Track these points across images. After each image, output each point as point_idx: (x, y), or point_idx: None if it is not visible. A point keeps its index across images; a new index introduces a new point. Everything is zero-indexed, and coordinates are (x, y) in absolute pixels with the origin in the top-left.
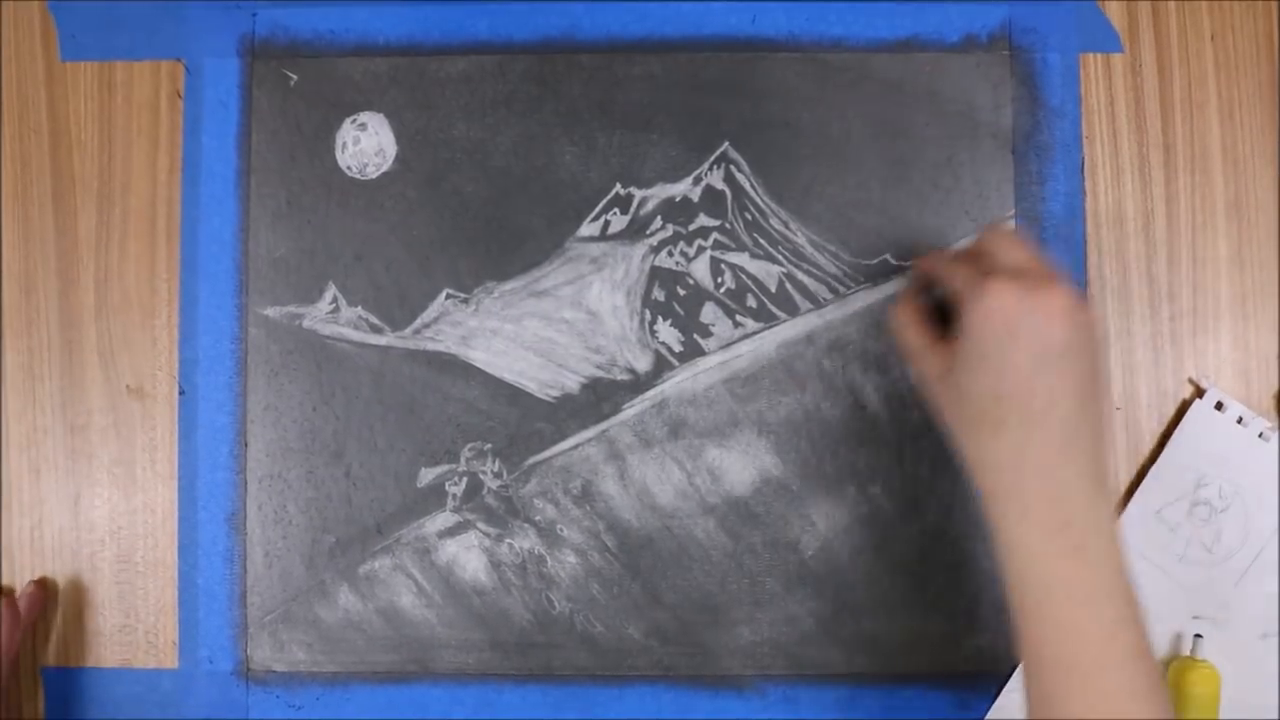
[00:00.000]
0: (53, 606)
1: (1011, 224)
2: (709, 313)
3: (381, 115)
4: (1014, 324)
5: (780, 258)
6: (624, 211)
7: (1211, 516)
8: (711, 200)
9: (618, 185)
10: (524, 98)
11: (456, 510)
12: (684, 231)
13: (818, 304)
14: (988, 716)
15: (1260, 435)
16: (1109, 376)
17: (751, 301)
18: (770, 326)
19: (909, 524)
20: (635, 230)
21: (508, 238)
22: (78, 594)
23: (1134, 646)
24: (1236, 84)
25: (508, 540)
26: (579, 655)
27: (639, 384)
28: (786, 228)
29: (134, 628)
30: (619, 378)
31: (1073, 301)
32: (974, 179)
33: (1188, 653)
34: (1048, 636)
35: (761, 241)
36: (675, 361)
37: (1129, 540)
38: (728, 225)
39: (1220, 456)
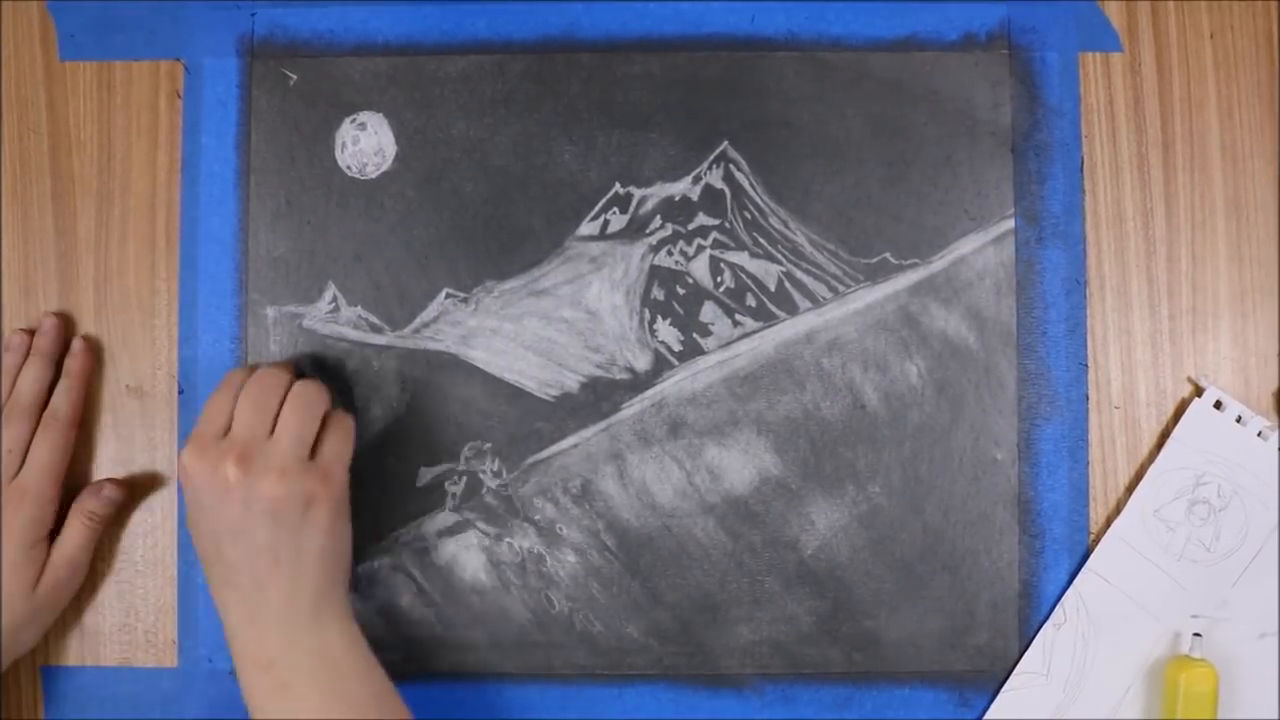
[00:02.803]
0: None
1: (272, 372)
2: (708, 312)
3: (381, 115)
4: (197, 494)
5: (779, 257)
6: (623, 211)
7: (1210, 515)
8: (711, 199)
9: (617, 184)
10: (523, 97)
11: (456, 509)
12: (683, 231)
13: (817, 303)
14: (987, 716)
15: (1259, 434)
16: (335, 547)
17: (751, 300)
18: (770, 326)
19: (909, 524)
20: (635, 229)
21: (507, 237)
22: (77, 593)
23: None
24: (1236, 83)
25: (507, 539)
26: (578, 654)
27: (638, 383)
28: (786, 227)
29: (133, 627)
30: (618, 377)
31: (240, 478)
32: (973, 178)
33: (1186, 651)
34: None
35: (761, 240)
36: (675, 361)
37: (1128, 539)
38: (727, 224)
39: (1219, 455)
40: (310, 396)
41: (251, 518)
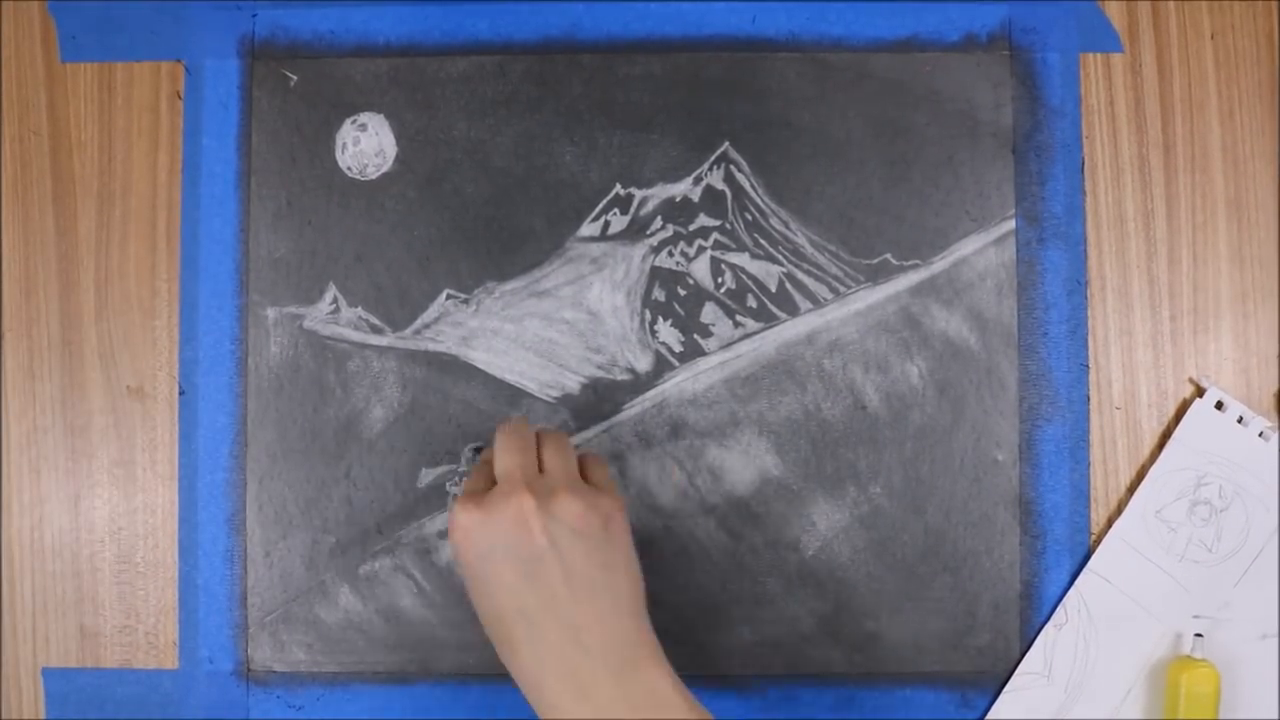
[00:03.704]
0: (53, 606)
1: (515, 421)
2: (709, 313)
3: (381, 116)
4: (482, 542)
5: (780, 258)
6: (624, 212)
7: (1212, 516)
8: (712, 200)
9: (618, 185)
10: (524, 98)
11: None
12: (684, 231)
13: (818, 304)
14: (989, 717)
15: (1261, 435)
16: (637, 568)
17: (752, 301)
18: (770, 326)
19: (909, 524)
20: (635, 230)
21: (508, 238)
22: (78, 594)
23: None
24: (1236, 83)
25: None
26: None
27: (639, 384)
28: (787, 228)
29: (134, 628)
30: (619, 378)
31: (534, 504)
32: (974, 178)
33: (1187, 652)
34: None
35: (762, 241)
36: (675, 362)
37: (1130, 540)
38: (728, 225)
39: (1221, 456)
40: (558, 434)
41: (556, 538)
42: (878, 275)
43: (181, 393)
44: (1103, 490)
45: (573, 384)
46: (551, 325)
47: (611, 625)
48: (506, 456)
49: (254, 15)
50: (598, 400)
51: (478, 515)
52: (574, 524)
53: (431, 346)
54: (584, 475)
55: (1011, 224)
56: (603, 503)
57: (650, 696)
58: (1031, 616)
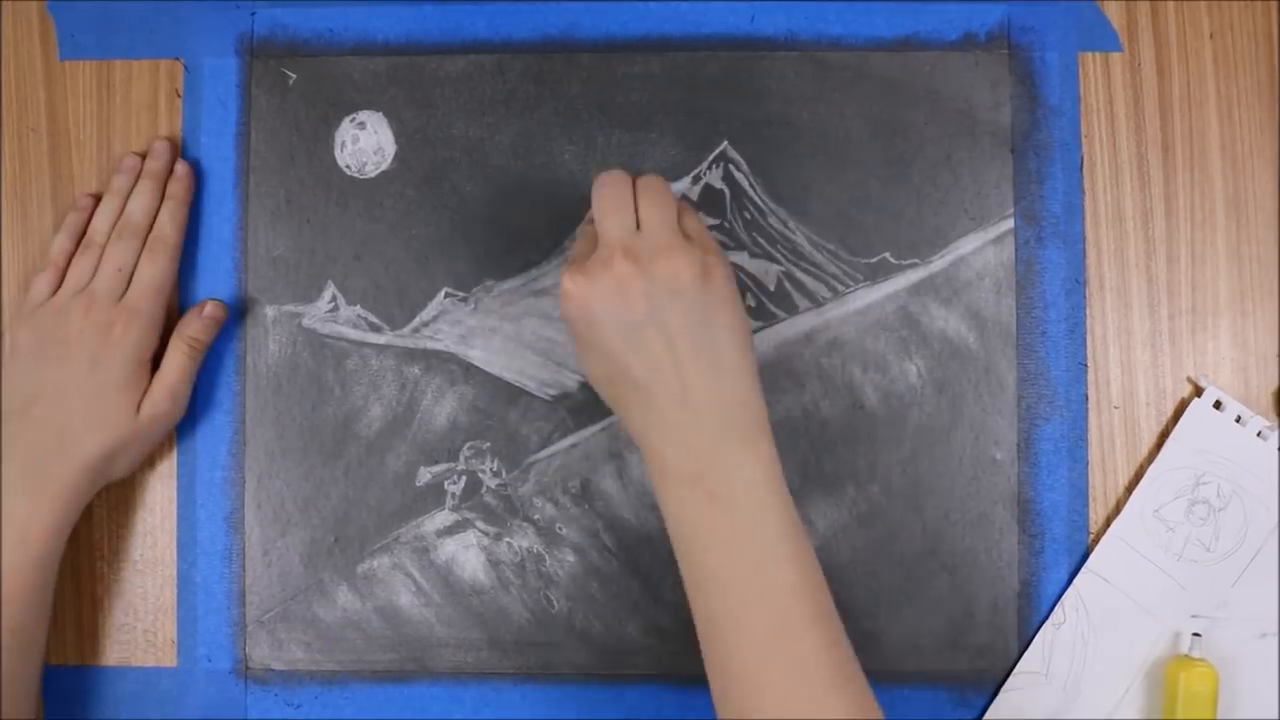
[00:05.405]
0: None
1: (614, 176)
2: None
3: (380, 114)
4: (587, 310)
5: (779, 256)
6: None
7: (1210, 515)
8: (710, 199)
9: None
10: (523, 97)
11: (455, 509)
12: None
13: (817, 303)
14: (987, 716)
15: (1259, 434)
16: (743, 317)
17: (750, 300)
18: (769, 325)
19: (907, 523)
20: None
21: (507, 237)
22: (77, 593)
23: (784, 584)
24: (1235, 82)
25: (506, 539)
26: (578, 654)
27: None
28: (785, 226)
29: (133, 626)
30: None
31: (631, 269)
32: (973, 177)
33: (1186, 651)
34: (699, 583)
35: (760, 240)
36: None
37: (1128, 539)
38: (727, 224)
39: (1219, 455)
40: (655, 182)
41: (656, 304)
42: (876, 274)
43: None
44: (1101, 489)
45: (571, 382)
46: (550, 323)
47: (714, 386)
48: (605, 219)
49: (253, 14)
50: (596, 399)
51: (582, 282)
52: (673, 284)
53: (430, 345)
54: (680, 227)
55: (1010, 223)
56: (701, 255)
57: (755, 464)
58: (1030, 616)
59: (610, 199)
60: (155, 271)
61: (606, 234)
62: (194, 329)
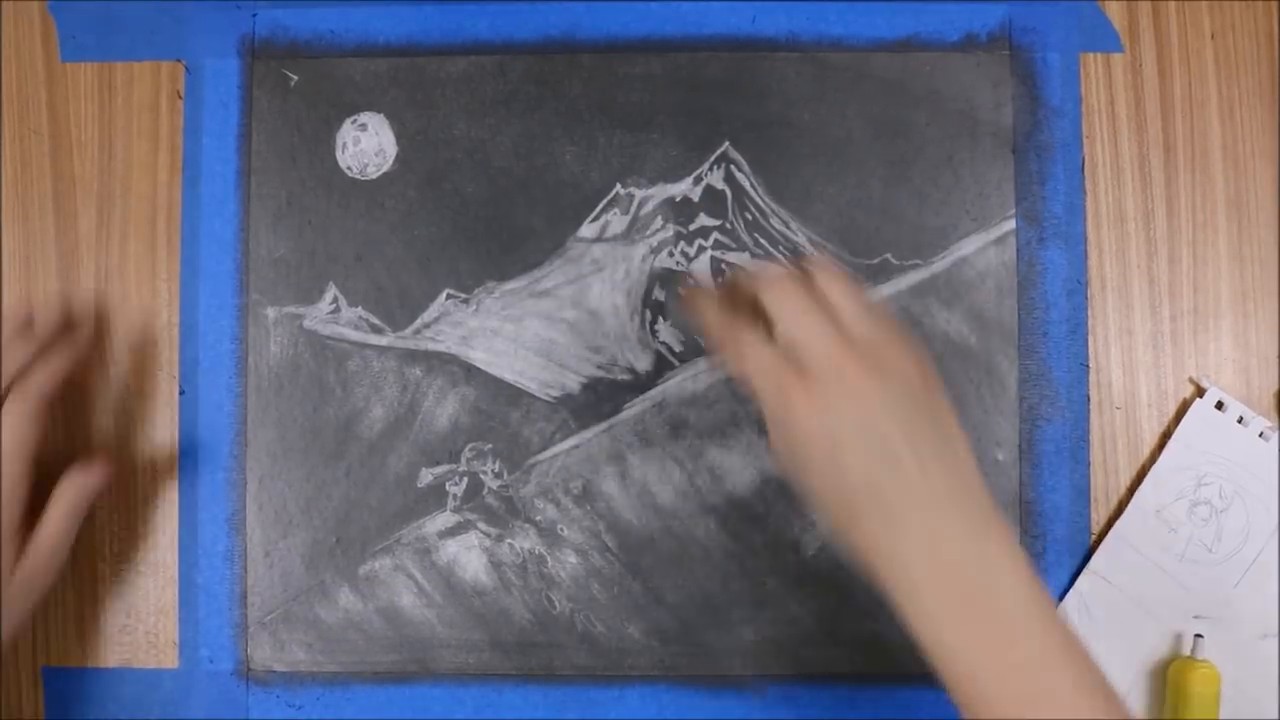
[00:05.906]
0: (53, 606)
1: (784, 271)
2: None
3: (382, 115)
4: (830, 433)
5: (781, 257)
6: (624, 212)
7: (1212, 516)
8: (712, 200)
9: (618, 185)
10: (524, 98)
11: (457, 510)
12: (684, 231)
13: None
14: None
15: (1261, 435)
16: (942, 390)
17: None
18: None
19: None
20: (636, 230)
21: (508, 238)
22: (78, 594)
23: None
24: (1237, 83)
25: (508, 540)
26: (579, 655)
27: (639, 384)
28: (787, 227)
29: (134, 627)
30: (619, 378)
31: (873, 375)
32: (974, 178)
33: (1188, 653)
34: (970, 701)
35: (762, 241)
36: (676, 361)
37: (1130, 540)
38: (728, 225)
39: (1221, 456)
40: (832, 270)
41: (898, 410)
42: (878, 275)
43: (181, 392)
44: (1103, 490)
45: (573, 384)
46: (552, 325)
47: (955, 485)
48: (805, 319)
49: (254, 15)
50: (598, 400)
51: (820, 406)
52: (904, 384)
53: (431, 346)
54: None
55: (1012, 224)
56: (911, 348)
57: (986, 558)
58: None
59: (796, 297)
60: (12, 424)
61: (813, 342)
62: (77, 490)
